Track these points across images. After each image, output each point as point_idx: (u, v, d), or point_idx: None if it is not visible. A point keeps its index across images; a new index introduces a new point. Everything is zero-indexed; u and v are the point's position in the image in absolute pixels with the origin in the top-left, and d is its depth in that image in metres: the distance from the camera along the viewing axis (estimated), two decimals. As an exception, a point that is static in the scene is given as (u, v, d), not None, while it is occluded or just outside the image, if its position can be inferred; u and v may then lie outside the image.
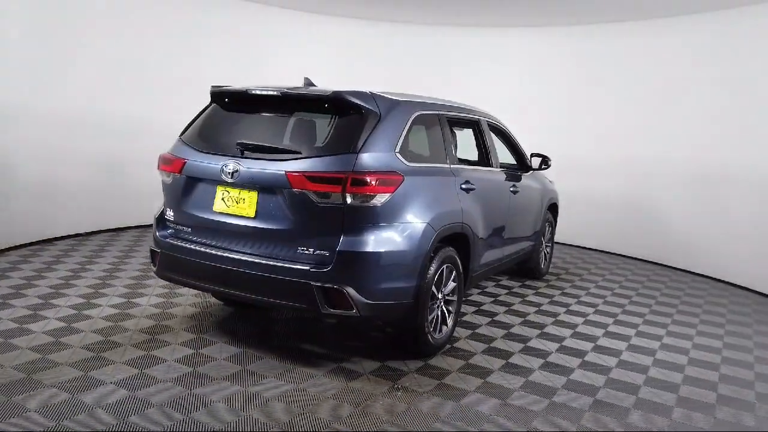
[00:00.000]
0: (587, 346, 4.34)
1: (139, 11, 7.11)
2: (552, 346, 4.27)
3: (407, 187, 3.52)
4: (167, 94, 7.27)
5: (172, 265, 3.78)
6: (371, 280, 3.35)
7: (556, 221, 6.65)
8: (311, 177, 3.27)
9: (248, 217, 3.48)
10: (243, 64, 8.02)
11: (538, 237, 6.01)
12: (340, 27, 8.81)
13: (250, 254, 3.49)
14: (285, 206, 3.38)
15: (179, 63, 7.50)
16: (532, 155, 5.68)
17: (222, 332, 4.07)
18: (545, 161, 5.60)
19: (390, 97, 3.74)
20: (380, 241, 3.37)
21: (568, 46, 8.28)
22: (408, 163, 3.62)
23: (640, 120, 7.64)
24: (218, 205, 3.60)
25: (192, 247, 3.66)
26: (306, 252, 3.36)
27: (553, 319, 4.91)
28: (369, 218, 3.35)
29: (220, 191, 3.59)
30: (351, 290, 3.26)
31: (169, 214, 3.86)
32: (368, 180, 3.29)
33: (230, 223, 3.55)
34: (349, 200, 3.27)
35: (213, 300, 4.73)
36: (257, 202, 3.45)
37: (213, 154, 3.62)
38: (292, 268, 3.33)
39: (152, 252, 3.90)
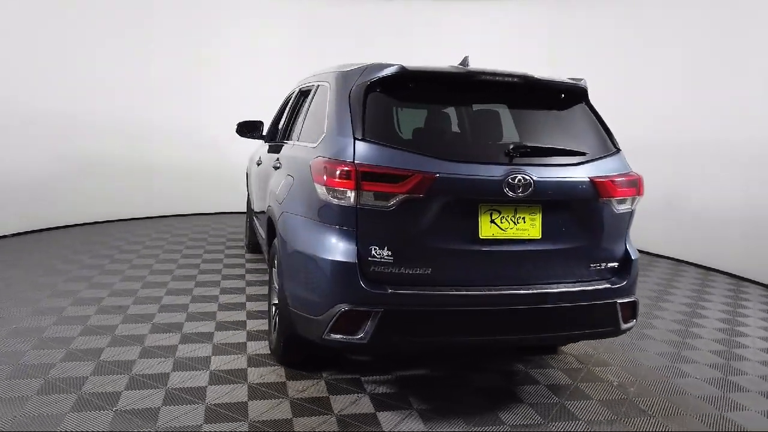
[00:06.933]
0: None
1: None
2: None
3: None
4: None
5: (406, 325, 2.70)
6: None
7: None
8: (618, 182, 2.91)
9: (533, 240, 2.79)
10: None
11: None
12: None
13: (536, 285, 2.82)
14: (580, 218, 2.89)
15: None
16: None
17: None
18: None
19: None
20: None
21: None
22: None
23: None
24: (487, 230, 2.74)
25: (443, 293, 2.68)
26: (598, 267, 2.95)
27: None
28: (631, 221, 3.12)
29: (485, 211, 2.74)
30: (636, 299, 3.05)
31: (382, 253, 2.67)
32: (641, 179, 3.05)
33: (507, 251, 2.77)
34: (635, 204, 3.02)
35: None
36: (542, 219, 2.82)
37: (472, 162, 2.71)
38: (597, 289, 2.88)
39: (352, 314, 2.61)
